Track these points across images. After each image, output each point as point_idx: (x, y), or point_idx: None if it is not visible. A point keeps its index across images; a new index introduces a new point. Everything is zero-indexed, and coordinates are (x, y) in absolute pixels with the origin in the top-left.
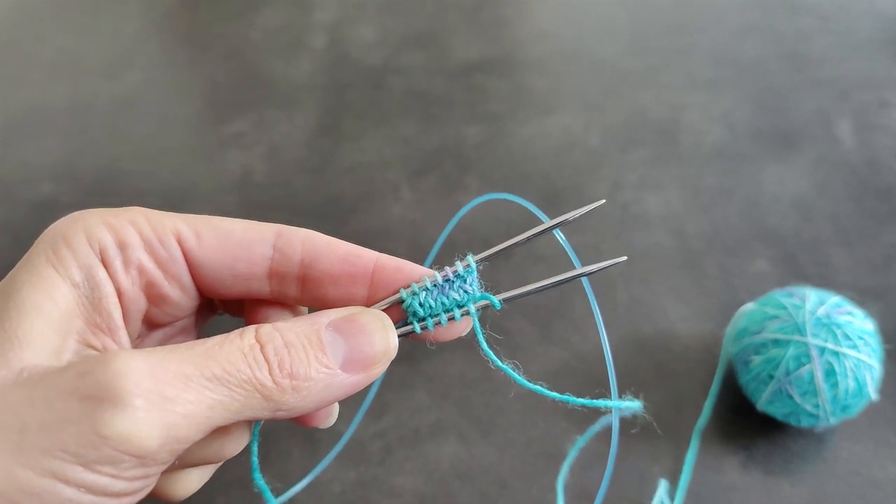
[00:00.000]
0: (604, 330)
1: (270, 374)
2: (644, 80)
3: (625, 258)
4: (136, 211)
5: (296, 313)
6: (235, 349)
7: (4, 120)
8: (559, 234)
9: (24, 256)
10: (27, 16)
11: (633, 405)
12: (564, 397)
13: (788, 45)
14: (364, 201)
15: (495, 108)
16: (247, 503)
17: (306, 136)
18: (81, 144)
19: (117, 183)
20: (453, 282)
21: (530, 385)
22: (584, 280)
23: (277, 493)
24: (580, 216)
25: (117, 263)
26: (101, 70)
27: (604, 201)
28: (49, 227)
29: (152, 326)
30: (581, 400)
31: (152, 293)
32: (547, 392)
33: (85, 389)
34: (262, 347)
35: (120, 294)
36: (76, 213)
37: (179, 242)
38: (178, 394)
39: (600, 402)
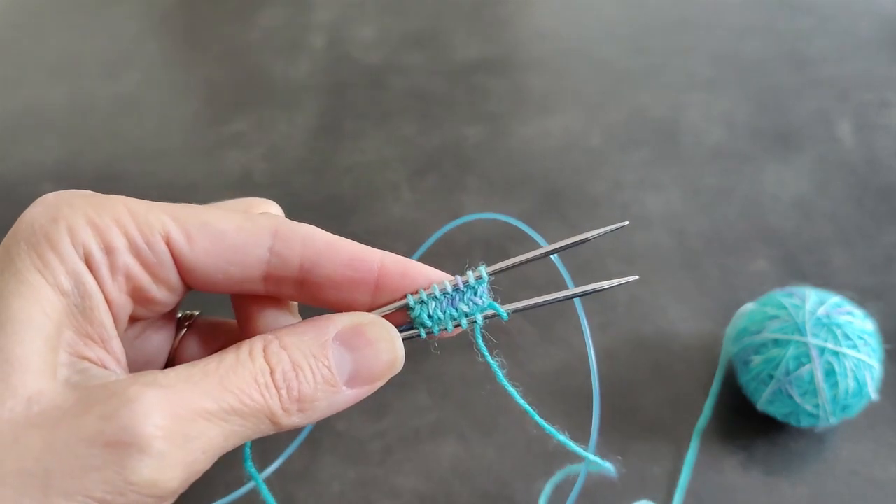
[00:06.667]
0: (594, 360)
1: (280, 401)
2: (644, 80)
3: (636, 277)
4: (121, 206)
5: (287, 309)
6: (248, 375)
7: (4, 120)
8: (557, 260)
9: (2, 254)
10: (27, 16)
11: (605, 466)
12: (550, 429)
13: (788, 45)
14: (364, 201)
15: (495, 108)
16: (247, 503)
17: (306, 136)
18: (81, 144)
19: (117, 183)
20: (464, 292)
21: (526, 406)
22: (577, 301)
23: (272, 486)
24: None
25: (104, 270)
26: (100, 70)
27: (627, 223)
28: (24, 219)
29: (134, 320)
30: (562, 437)
31: (139, 296)
32: (536, 416)
33: (109, 435)
34: (272, 373)
35: (108, 302)
36: (53, 207)
37: (168, 244)
38: (200, 432)
39: (576, 448)
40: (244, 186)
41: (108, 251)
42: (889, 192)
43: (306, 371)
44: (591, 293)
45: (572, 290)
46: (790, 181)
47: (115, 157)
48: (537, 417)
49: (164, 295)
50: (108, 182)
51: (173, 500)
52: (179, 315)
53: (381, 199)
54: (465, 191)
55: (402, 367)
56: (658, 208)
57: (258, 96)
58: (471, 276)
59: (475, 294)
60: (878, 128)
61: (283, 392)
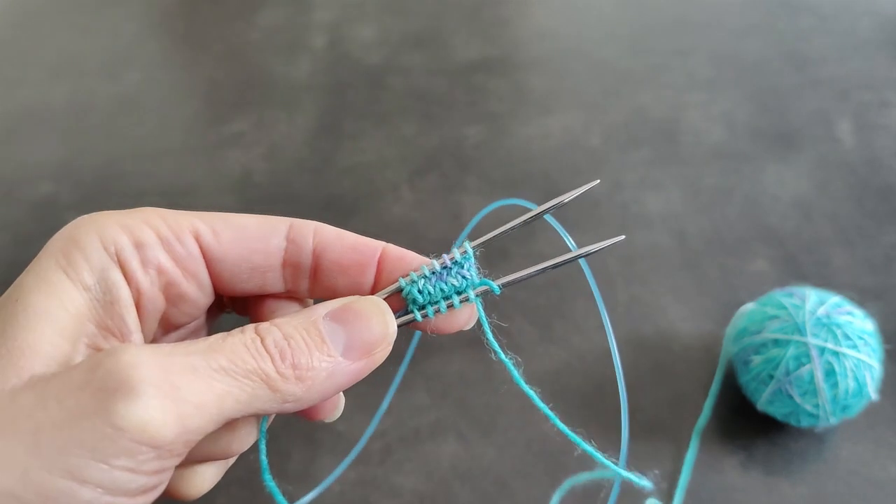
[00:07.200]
0: (617, 354)
1: (273, 364)
2: (644, 80)
3: (623, 237)
4: (150, 211)
5: (303, 306)
6: (238, 342)
7: (4, 120)
8: (550, 218)
9: (34, 261)
10: (27, 16)
11: (642, 482)
12: (574, 437)
13: (788, 45)
14: (364, 201)
15: (495, 108)
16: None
17: (306, 136)
18: (81, 144)
19: (117, 183)
20: (451, 269)
21: (546, 409)
22: (584, 264)
23: (284, 495)
24: (575, 199)
25: (135, 264)
26: (100, 70)
27: (598, 181)
28: (59, 231)
29: (167, 328)
30: (589, 448)
31: (171, 293)
32: (555, 419)
33: (96, 382)
34: (262, 340)
35: (139, 295)
36: (87, 217)
37: (196, 238)
38: (189, 384)
39: (607, 463)
40: (244, 186)
41: (139, 246)
42: (889, 192)
43: (298, 340)
44: (577, 258)
45: (559, 259)
46: (790, 181)
47: (115, 157)
48: (559, 423)
49: (194, 292)
50: (107, 182)
51: (174, 459)
52: None
53: (381, 199)
54: (465, 191)
55: (394, 337)
56: (658, 208)
57: (258, 96)
58: (456, 252)
59: (462, 268)
60: (878, 128)
61: (276, 357)
